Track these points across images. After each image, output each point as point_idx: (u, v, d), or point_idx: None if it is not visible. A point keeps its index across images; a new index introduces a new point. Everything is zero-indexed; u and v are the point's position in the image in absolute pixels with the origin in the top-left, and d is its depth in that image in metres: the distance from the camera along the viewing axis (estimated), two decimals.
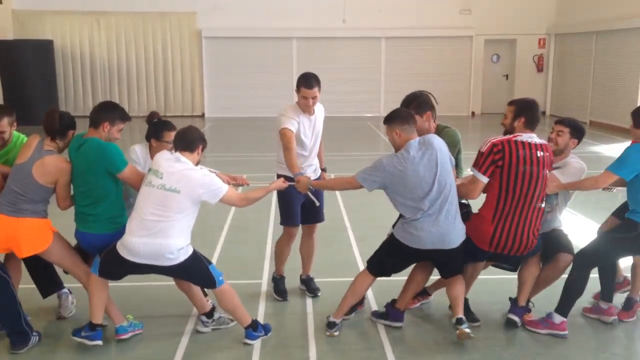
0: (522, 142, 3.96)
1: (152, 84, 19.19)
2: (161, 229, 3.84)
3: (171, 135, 4.29)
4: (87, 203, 4.14)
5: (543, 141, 4.10)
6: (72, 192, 4.24)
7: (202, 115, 19.34)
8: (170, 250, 3.86)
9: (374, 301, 4.86)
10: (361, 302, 4.64)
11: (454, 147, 4.39)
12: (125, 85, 19.09)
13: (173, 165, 3.89)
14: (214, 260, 5.92)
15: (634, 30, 14.91)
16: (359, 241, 6.40)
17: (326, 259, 5.60)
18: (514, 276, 4.53)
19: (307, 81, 4.60)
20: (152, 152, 4.38)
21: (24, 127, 4.51)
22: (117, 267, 4.04)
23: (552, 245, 4.32)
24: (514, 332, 4.37)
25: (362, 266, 5.72)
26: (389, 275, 4.34)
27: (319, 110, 4.88)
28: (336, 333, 4.29)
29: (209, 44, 18.96)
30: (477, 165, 4.00)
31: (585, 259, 4.28)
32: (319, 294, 4.97)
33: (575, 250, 4.39)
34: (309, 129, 4.77)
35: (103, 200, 4.12)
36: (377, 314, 4.53)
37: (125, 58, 18.94)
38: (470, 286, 4.47)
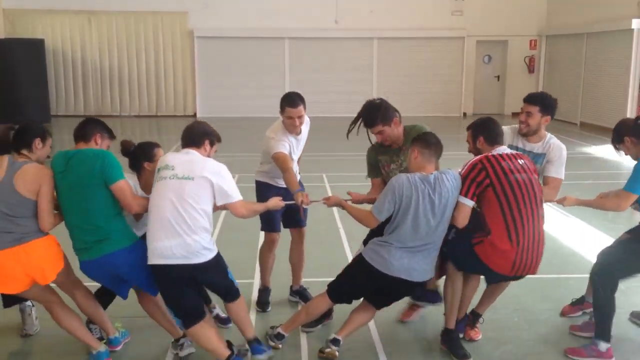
0: (500, 155, 3.78)
1: (143, 84, 19.14)
2: (186, 223, 3.58)
3: (161, 152, 4.08)
4: (90, 224, 3.69)
5: (512, 150, 3.97)
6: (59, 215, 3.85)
7: (194, 115, 19.29)
8: (202, 244, 3.63)
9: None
10: (329, 314, 4.48)
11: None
12: (117, 84, 19.04)
13: (183, 156, 3.75)
14: None
15: (624, 32, 15.00)
16: (350, 241, 6.40)
17: (318, 258, 5.59)
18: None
19: (291, 100, 4.39)
20: (146, 176, 4.02)
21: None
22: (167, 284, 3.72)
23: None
24: (503, 331, 4.39)
25: None
26: (347, 302, 4.14)
27: (305, 125, 4.67)
28: (280, 345, 4.13)
29: (201, 43, 18.93)
30: (461, 190, 3.77)
31: (606, 278, 4.03)
32: None
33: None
34: (296, 147, 4.63)
35: (111, 214, 3.73)
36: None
37: (116, 57, 18.88)
38: (489, 305, 4.26)
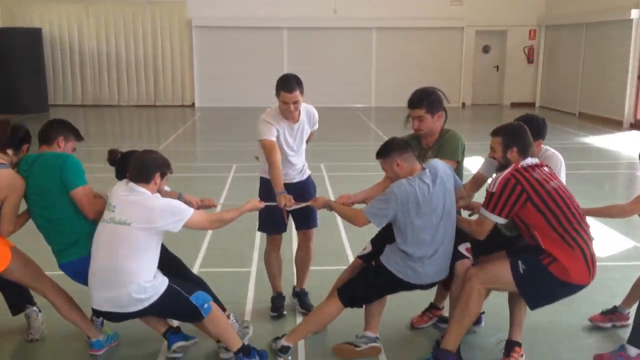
0: (530, 166, 3.58)
1: (141, 73, 19.11)
2: (118, 275, 3.38)
3: None
4: (59, 227, 3.68)
5: (537, 160, 3.72)
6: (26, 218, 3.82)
7: (192, 105, 19.28)
8: (135, 297, 3.42)
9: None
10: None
11: (462, 152, 4.03)
12: (115, 74, 19.01)
13: (127, 195, 3.48)
14: (202, 249, 5.96)
15: (623, 22, 14.97)
16: (347, 229, 6.41)
17: (315, 247, 5.60)
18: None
19: (287, 84, 4.06)
20: None
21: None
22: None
23: None
24: (500, 319, 4.34)
25: (350, 255, 5.75)
26: (361, 306, 3.95)
27: (308, 114, 4.37)
28: (289, 358, 3.86)
29: (199, 33, 18.88)
30: (489, 206, 3.54)
31: None
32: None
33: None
34: (292, 137, 4.28)
35: (79, 217, 3.67)
36: None
37: (114, 47, 18.85)
38: (521, 325, 3.98)
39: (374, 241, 4.06)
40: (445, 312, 4.28)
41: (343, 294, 3.82)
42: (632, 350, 3.80)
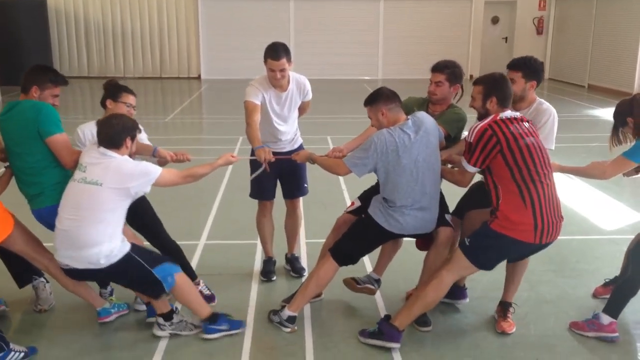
0: (508, 118, 3.57)
1: (147, 45, 19.01)
2: (83, 235, 3.42)
3: (129, 97, 3.97)
4: (27, 176, 3.73)
5: (519, 113, 3.71)
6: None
7: (199, 77, 19.19)
8: (97, 258, 3.46)
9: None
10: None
11: (459, 128, 4.12)
12: (121, 46, 18.92)
13: (99, 157, 3.50)
14: (209, 221, 5.99)
15: None
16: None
17: (321, 221, 5.61)
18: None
19: (274, 51, 4.15)
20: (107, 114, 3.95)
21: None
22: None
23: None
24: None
25: None
26: (355, 262, 3.99)
27: (298, 85, 4.40)
28: (296, 327, 3.91)
29: (205, 4, 18.70)
30: (466, 156, 3.61)
31: None
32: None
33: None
34: (279, 105, 4.34)
35: (44, 169, 3.71)
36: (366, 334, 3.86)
37: (120, 18, 18.73)
38: (516, 289, 4.09)
39: (361, 197, 4.17)
40: None
41: (336, 253, 3.92)
42: (605, 318, 3.87)
